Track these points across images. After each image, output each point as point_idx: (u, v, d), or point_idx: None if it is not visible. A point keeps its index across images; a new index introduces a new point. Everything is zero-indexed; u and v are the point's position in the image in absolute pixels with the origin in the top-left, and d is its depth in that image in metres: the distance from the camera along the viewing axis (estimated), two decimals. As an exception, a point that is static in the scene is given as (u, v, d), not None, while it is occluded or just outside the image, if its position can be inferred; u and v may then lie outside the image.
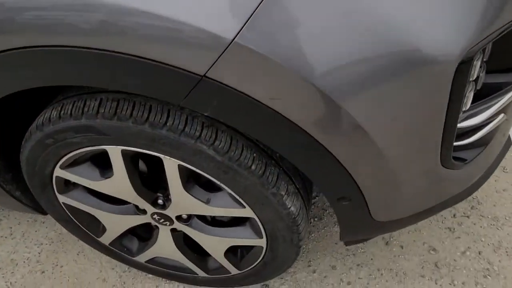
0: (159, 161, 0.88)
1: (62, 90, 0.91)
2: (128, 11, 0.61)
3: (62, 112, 0.84)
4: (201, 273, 1.24)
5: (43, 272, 1.47)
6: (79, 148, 0.89)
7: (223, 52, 0.62)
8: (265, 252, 1.06)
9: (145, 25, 0.61)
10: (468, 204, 1.41)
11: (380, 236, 1.37)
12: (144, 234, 1.29)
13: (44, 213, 1.28)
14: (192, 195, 0.94)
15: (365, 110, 0.67)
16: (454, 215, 1.39)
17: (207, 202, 0.95)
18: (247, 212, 0.93)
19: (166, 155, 0.84)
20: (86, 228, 1.20)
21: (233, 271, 1.19)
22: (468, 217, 1.38)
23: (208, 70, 0.64)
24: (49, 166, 0.97)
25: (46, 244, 1.57)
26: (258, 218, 0.94)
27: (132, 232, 1.26)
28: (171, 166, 0.87)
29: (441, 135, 0.75)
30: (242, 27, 0.60)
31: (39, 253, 1.54)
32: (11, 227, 1.66)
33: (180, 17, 0.60)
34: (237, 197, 0.89)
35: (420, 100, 0.69)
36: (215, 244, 1.10)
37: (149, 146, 0.83)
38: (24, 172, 1.02)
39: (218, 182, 0.87)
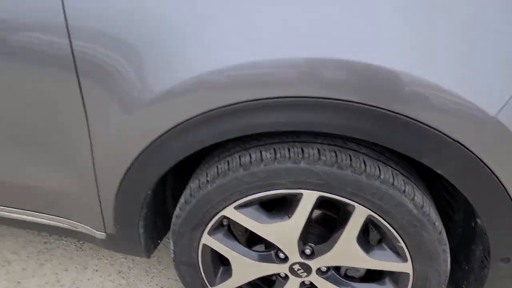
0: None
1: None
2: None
3: (278, 155, 0.91)
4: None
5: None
6: (275, 189, 0.95)
7: (481, 124, 0.77)
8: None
9: (427, 95, 0.76)
10: None
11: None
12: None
13: (147, 255, 1.23)
14: (359, 246, 1.01)
15: None
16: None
17: (368, 254, 1.02)
18: (406, 267, 1.02)
19: (362, 205, 0.93)
20: (205, 274, 1.17)
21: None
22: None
23: (461, 136, 0.79)
24: (223, 204, 0.99)
25: (107, 294, 1.45)
26: (414, 273, 1.03)
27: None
28: (359, 215, 0.95)
29: None
30: (504, 105, 0.77)
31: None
32: (57, 273, 1.51)
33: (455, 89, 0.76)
34: (407, 251, 0.99)
35: None
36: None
37: (352, 195, 0.92)
38: (184, 211, 1.03)
39: (398, 235, 0.96)
